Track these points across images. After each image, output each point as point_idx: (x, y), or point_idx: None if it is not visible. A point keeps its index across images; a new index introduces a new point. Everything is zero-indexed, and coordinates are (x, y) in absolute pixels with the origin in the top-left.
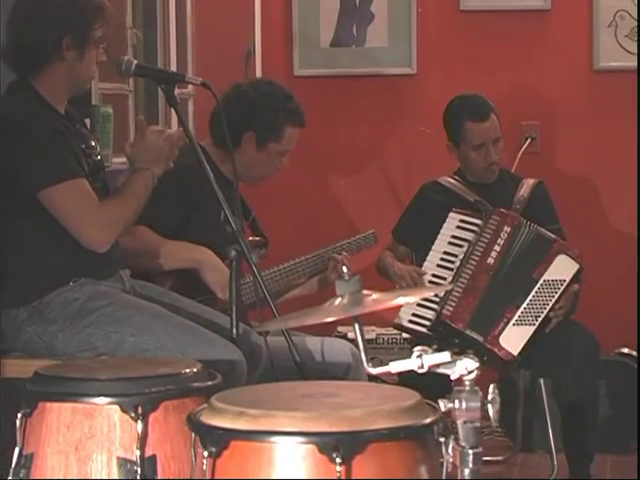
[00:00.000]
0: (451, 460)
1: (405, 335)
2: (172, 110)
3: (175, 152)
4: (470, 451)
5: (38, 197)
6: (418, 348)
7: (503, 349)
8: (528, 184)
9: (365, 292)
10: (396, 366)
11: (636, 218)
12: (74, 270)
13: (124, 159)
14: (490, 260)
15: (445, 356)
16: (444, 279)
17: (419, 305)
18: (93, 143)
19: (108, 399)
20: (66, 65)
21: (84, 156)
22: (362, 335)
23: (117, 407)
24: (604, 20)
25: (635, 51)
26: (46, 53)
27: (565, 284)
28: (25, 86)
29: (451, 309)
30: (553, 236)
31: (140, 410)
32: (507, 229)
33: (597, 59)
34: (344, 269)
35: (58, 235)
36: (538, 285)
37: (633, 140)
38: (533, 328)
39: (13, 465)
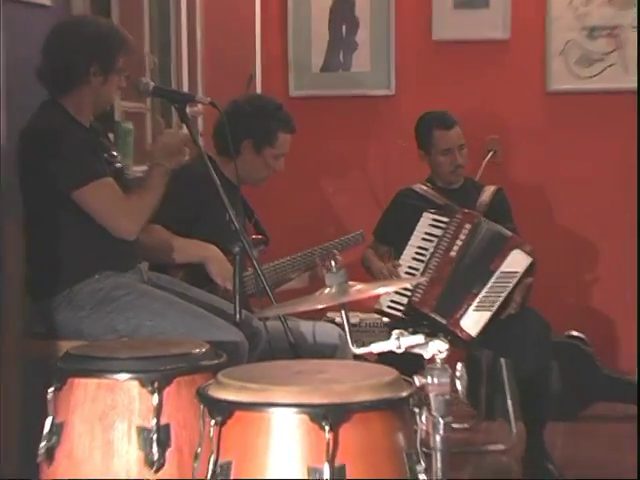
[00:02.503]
0: (424, 428)
1: (385, 320)
2: (184, 126)
3: (185, 150)
4: (441, 420)
5: (72, 197)
6: (396, 331)
7: (463, 331)
8: (489, 190)
9: (350, 283)
10: (377, 347)
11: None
12: (99, 264)
13: (143, 168)
14: (453, 253)
15: (419, 338)
16: (417, 270)
17: (396, 293)
18: (114, 153)
19: (128, 375)
20: (92, 88)
21: (107, 164)
22: (348, 320)
23: (136, 382)
24: (556, 48)
25: (584, 75)
26: (75, 77)
27: (519, 275)
28: (54, 104)
29: (419, 296)
30: (509, 233)
31: (156, 385)
32: (468, 226)
33: (549, 83)
34: (332, 263)
35: (85, 234)
36: (495, 276)
37: (581, 152)
38: (489, 313)
39: (45, 432)
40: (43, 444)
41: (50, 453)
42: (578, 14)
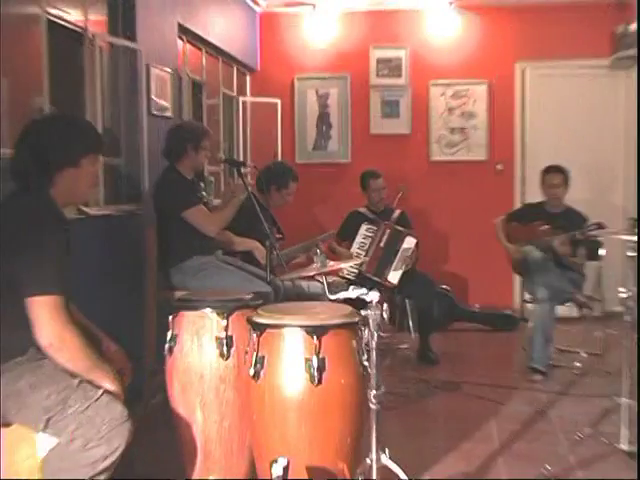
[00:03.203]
0: (367, 337)
1: (346, 280)
2: (239, 179)
3: (241, 191)
4: (375, 333)
5: (181, 216)
6: (352, 287)
7: (390, 282)
8: (398, 212)
9: (328, 261)
10: (342, 295)
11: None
12: (194, 250)
13: (219, 201)
14: (381, 244)
15: (364, 290)
16: (363, 254)
17: (352, 267)
18: (204, 193)
19: (210, 309)
20: (189, 158)
21: (199, 198)
22: (326, 280)
23: (215, 313)
24: (434, 138)
25: (448, 153)
26: (181, 152)
27: (412, 250)
28: (171, 168)
29: (364, 267)
30: (405, 230)
31: (226, 314)
32: (388, 231)
33: (431, 156)
34: (317, 250)
35: (188, 234)
36: (399, 252)
37: (445, 191)
38: (401, 272)
39: (168, 339)
40: (167, 345)
41: (170, 350)
42: (445, 121)
